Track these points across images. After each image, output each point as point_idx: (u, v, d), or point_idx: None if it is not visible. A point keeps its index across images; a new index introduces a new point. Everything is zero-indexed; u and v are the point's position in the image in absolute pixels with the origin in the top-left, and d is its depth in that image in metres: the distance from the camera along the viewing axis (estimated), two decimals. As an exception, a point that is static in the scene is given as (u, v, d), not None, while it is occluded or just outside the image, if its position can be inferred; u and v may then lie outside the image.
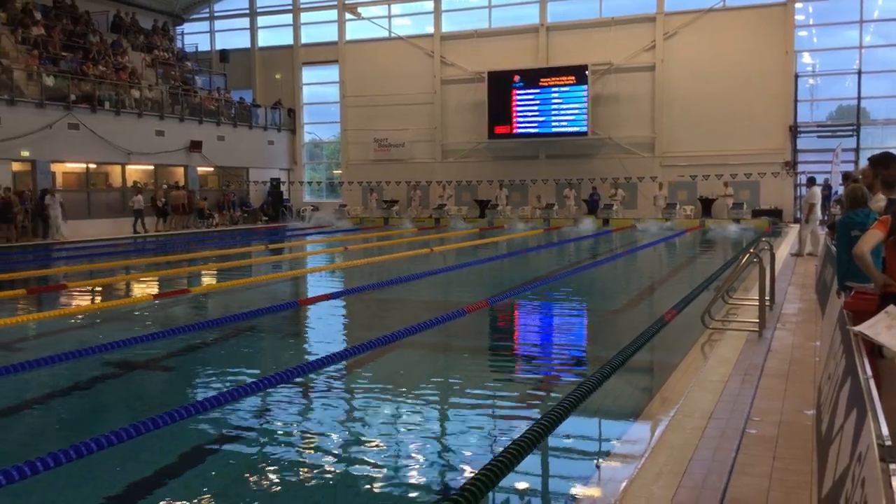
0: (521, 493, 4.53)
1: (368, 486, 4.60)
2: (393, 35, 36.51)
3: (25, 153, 25.54)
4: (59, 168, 27.65)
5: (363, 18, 36.43)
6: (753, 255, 8.36)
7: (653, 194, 31.73)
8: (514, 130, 33.90)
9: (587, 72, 32.33)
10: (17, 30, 28.71)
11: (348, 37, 37.63)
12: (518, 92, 33.58)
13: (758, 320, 8.10)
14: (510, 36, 34.63)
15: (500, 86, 33.71)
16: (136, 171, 30.76)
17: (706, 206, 30.93)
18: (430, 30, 35.93)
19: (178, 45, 39.44)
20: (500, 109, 33.78)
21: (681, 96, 31.63)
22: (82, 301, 12.83)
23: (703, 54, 31.17)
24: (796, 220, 26.83)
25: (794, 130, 30.46)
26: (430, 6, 35.92)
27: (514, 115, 33.74)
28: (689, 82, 31.41)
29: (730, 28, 30.95)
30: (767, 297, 8.78)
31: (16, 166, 25.80)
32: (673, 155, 32.14)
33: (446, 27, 35.79)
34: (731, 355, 7.07)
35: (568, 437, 5.43)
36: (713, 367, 6.65)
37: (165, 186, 31.09)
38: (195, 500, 4.42)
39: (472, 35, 35.15)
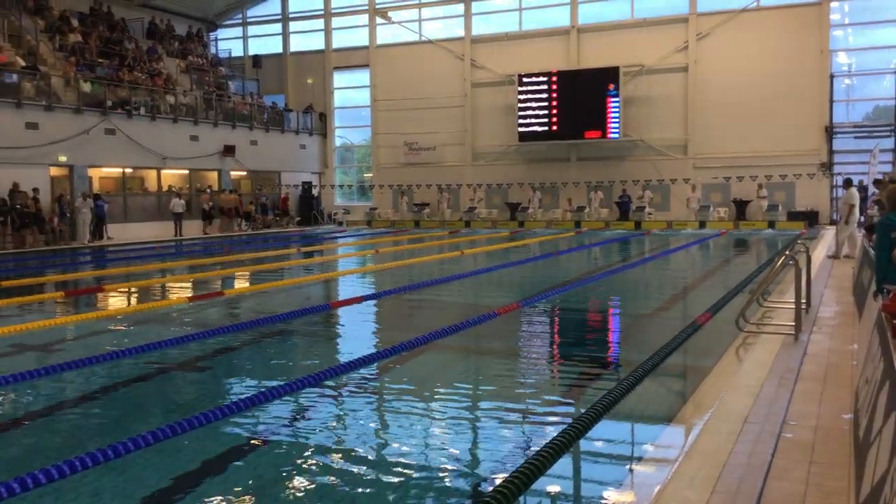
0: (553, 497, 4.51)
1: (399, 489, 4.61)
2: (423, 38, 36.61)
3: (63, 158, 26.00)
4: (95, 173, 28.12)
5: (394, 22, 36.56)
6: (789, 257, 8.25)
7: (686, 196, 31.45)
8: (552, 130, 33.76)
9: (619, 74, 32.12)
10: (54, 37, 29.26)
11: (379, 41, 37.80)
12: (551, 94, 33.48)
13: (794, 323, 7.99)
14: (541, 38, 34.54)
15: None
16: (172, 175, 31.20)
17: (740, 208, 30.58)
18: (461, 33, 35.96)
19: (212, 50, 39.95)
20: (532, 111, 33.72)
21: (714, 97, 31.31)
22: (119, 303, 13.03)
23: (737, 55, 30.84)
24: (832, 222, 26.44)
25: (830, 131, 30.01)
26: (460, 9, 35.96)
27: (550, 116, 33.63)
28: (723, 83, 31.09)
29: (764, 28, 30.59)
30: (804, 300, 8.67)
31: (54, 171, 26.28)
32: (706, 156, 31.83)
33: (477, 30, 35.81)
34: (766, 359, 6.99)
35: (600, 440, 5.40)
36: (748, 371, 6.58)
37: (210, 190, 31.84)
38: (230, 500, 4.47)
39: (503, 38, 35.13)
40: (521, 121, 33.87)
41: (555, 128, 33.44)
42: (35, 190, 24.35)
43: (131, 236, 27.79)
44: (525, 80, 33.57)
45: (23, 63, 26.23)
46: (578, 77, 32.92)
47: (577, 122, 32.99)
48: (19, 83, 24.96)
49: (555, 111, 33.25)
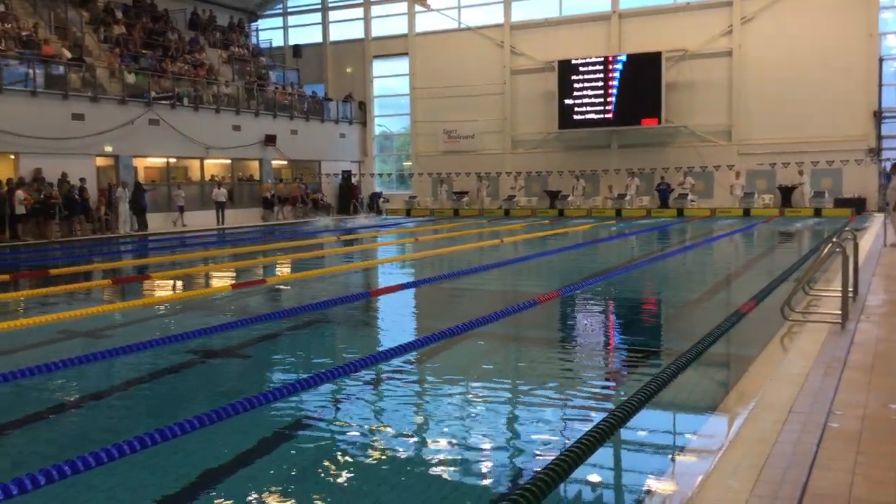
0: (593, 486, 4.49)
1: (438, 476, 4.63)
2: (462, 26, 36.48)
3: (109, 148, 26.48)
4: (140, 163, 28.61)
5: (433, 10, 36.48)
6: (836, 244, 8.08)
7: (729, 183, 30.98)
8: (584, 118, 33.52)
9: (661, 59, 31.70)
10: (99, 29, 29.77)
11: (418, 29, 37.78)
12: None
13: (840, 312, 7.82)
14: (581, 24, 34.24)
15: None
16: (214, 165, 31.62)
17: (785, 194, 30.05)
18: (500, 19, 35.77)
19: (253, 41, 40.31)
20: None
21: (759, 82, 30.76)
22: (164, 291, 13.26)
23: (783, 38, 30.24)
24: (880, 210, 25.85)
25: (879, 116, 29.32)
26: (499, -5, 35.77)
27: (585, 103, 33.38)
28: (768, 68, 30.52)
29: (810, 11, 29.92)
30: (850, 288, 8.48)
31: (100, 161, 26.78)
32: (751, 142, 31.32)
33: (516, 16, 35.60)
34: (812, 348, 6.86)
35: (641, 430, 5.35)
36: (793, 360, 6.47)
37: (271, 180, 33.11)
38: (273, 484, 4.53)
39: (543, 24, 34.88)
40: (570, 108, 33.57)
41: (608, 115, 33.06)
42: (82, 180, 24.84)
43: (176, 225, 28.28)
44: (573, 65, 33.23)
45: (69, 55, 26.74)
46: (627, 62, 32.54)
47: (628, 109, 32.62)
48: (66, 75, 25.47)
49: (610, 98, 32.86)
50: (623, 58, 32.62)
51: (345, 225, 29.01)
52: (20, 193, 22.62)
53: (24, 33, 25.97)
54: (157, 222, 27.84)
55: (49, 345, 8.51)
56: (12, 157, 24.21)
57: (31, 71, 24.50)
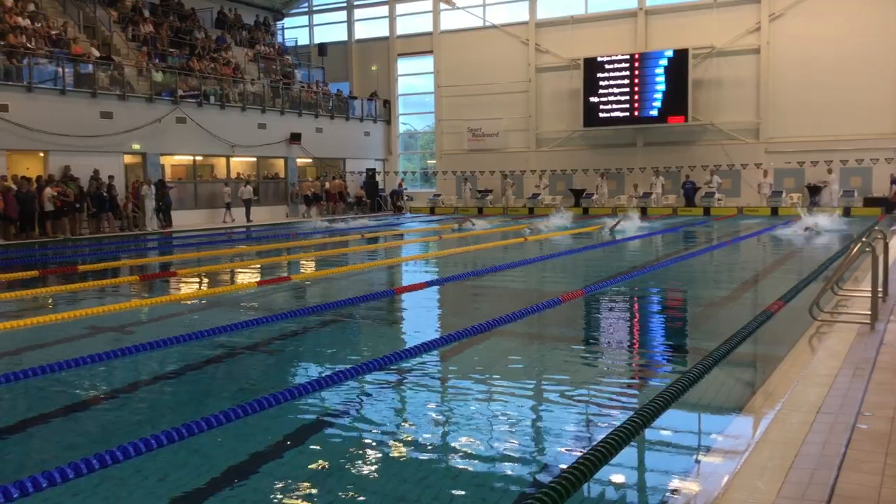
0: (617, 486, 4.47)
1: (461, 475, 4.63)
2: (487, 24, 36.42)
3: (136, 146, 26.76)
4: (167, 160, 28.88)
5: (458, 8, 36.46)
6: (865, 244, 7.97)
7: (757, 182, 30.66)
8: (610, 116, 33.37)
9: (688, 56, 31.45)
10: (127, 28, 30.09)
11: (443, 27, 37.78)
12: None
13: (869, 312, 7.72)
14: (607, 21, 34.07)
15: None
16: (240, 162, 31.85)
17: (814, 193, 29.68)
18: (525, 17, 35.67)
19: (279, 39, 40.54)
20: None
21: (787, 80, 30.42)
22: (190, 287, 13.37)
23: (812, 35, 29.86)
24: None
25: (910, 113, 28.85)
26: (524, -7, 35.68)
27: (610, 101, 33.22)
28: (797, 65, 30.17)
29: (839, 8, 29.52)
30: (880, 288, 8.37)
31: (127, 159, 27.07)
32: (779, 141, 30.98)
33: (541, 14, 35.49)
34: (840, 348, 6.78)
35: (666, 430, 5.31)
36: (822, 361, 6.39)
37: (310, 179, 34.19)
38: (297, 479, 4.56)
39: (568, 21, 34.73)
40: (595, 106, 33.41)
41: (634, 112, 32.87)
42: (110, 177, 25.12)
43: (201, 222, 28.51)
44: (599, 62, 33.08)
45: (97, 54, 27.05)
46: (652, 60, 32.33)
47: (654, 106, 32.40)
48: (94, 73, 25.75)
49: (636, 95, 32.66)
50: (649, 55, 32.39)
51: (384, 223, 28.97)
52: (49, 191, 22.91)
53: (53, 32, 26.31)
54: (192, 219, 28.20)
55: (78, 340, 8.61)
56: (42, 154, 24.54)
57: (60, 70, 24.81)
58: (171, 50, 30.63)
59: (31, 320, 9.36)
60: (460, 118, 37.28)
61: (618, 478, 4.54)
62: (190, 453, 4.89)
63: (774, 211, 29.37)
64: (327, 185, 34.37)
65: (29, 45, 24.58)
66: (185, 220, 28.13)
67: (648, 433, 5.03)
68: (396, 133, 39.87)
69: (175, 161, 29.80)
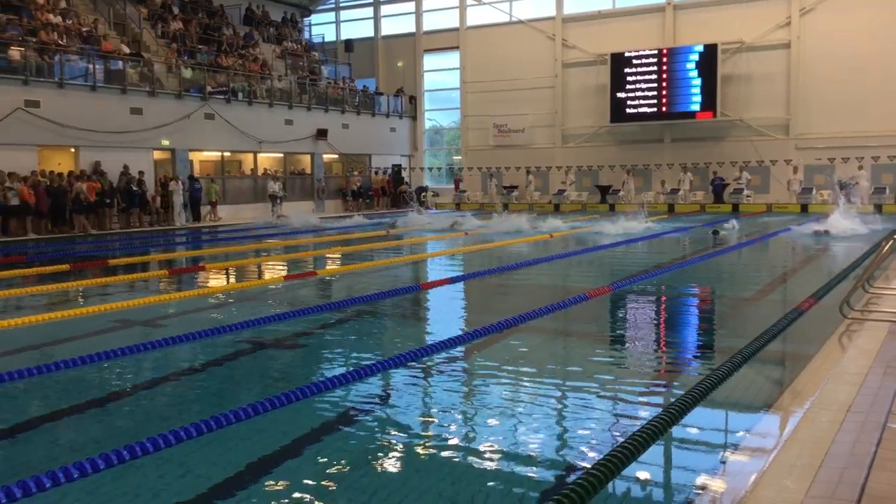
0: (644, 483, 4.44)
1: (487, 469, 4.62)
2: (514, 19, 36.30)
3: (165, 142, 27.03)
4: (196, 156, 29.14)
5: (484, 3, 36.39)
6: (898, 241, 7.85)
7: (787, 179, 30.30)
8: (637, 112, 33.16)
9: (717, 51, 31.15)
10: (156, 24, 30.37)
11: (469, 23, 37.73)
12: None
13: (902, 311, 7.61)
14: (635, 16, 33.81)
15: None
16: (267, 158, 32.05)
17: (844, 190, 29.21)
18: (552, 12, 35.51)
19: (306, 36, 40.71)
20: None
21: (818, 75, 30.02)
22: (218, 282, 13.48)
23: (843, 30, 29.43)
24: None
25: (943, 109, 28.35)
26: (551, -12, 35.51)
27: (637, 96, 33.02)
28: (827, 60, 29.75)
29: (872, 2, 29.15)
30: (913, 287, 8.24)
31: (157, 154, 27.35)
32: (809, 137, 30.60)
33: (568, 9, 35.30)
34: (871, 347, 6.69)
35: (693, 427, 5.27)
36: (852, 359, 6.31)
37: (356, 174, 35.28)
38: (322, 473, 4.58)
39: (595, 16, 34.54)
40: (622, 101, 33.21)
41: (662, 108, 32.62)
42: (140, 173, 25.41)
43: (229, 218, 28.74)
44: (626, 57, 32.87)
45: (127, 50, 27.34)
46: (674, 55, 32.08)
47: (682, 102, 32.14)
48: (124, 70, 26.04)
49: (664, 91, 32.43)
50: (678, 50, 32.12)
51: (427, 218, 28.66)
52: (80, 185, 23.21)
53: (84, 29, 26.63)
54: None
55: (107, 333, 8.72)
56: (73, 150, 24.87)
57: (91, 66, 25.12)
58: (199, 47, 30.89)
59: (61, 313, 9.49)
60: (486, 114, 37.22)
61: (644, 475, 4.51)
62: (217, 446, 4.93)
63: (804, 208, 29.01)
64: (356, 180, 35.13)
65: (60, 42, 24.91)
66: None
67: (675, 430, 4.99)
68: (422, 129, 39.90)
69: (203, 157, 30.09)
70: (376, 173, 36.08)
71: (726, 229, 20.65)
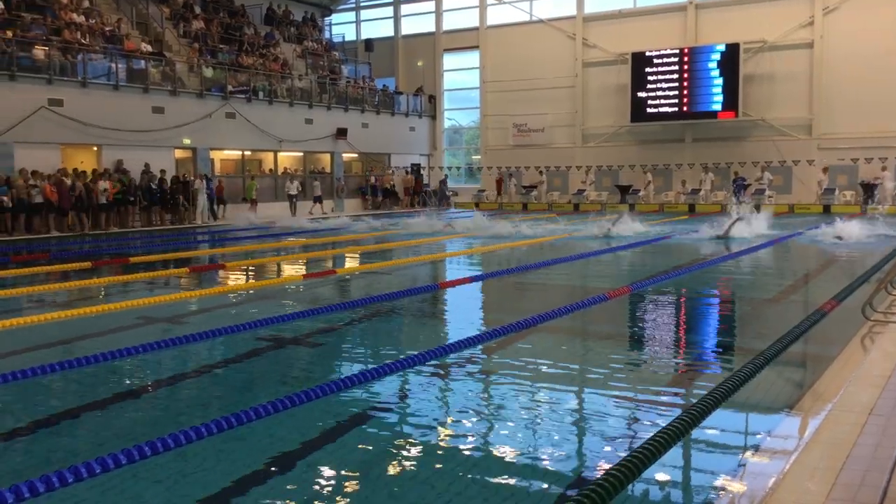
0: (662, 485, 4.41)
1: (505, 469, 4.62)
2: (534, 18, 36.23)
3: (187, 141, 27.22)
4: (216, 155, 29.33)
5: (505, 2, 36.34)
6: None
7: (817, 179, 29.89)
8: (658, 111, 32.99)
9: (739, 50, 30.92)
10: (178, 24, 30.59)
11: (489, 22, 37.69)
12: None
13: (926, 313, 7.52)
14: (656, 15, 33.64)
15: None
16: (287, 157, 32.21)
17: (868, 191, 28.94)
18: (573, 11, 35.39)
19: (326, 35, 40.84)
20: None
21: (841, 74, 29.71)
22: (238, 280, 13.56)
23: (867, 29, 29.12)
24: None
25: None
26: (572, -13, 35.39)
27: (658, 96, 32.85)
28: (851, 59, 29.44)
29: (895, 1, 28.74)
30: (938, 289, 8.14)
31: (178, 153, 27.54)
32: (832, 137, 30.29)
33: (589, 8, 35.18)
34: (894, 349, 6.62)
35: (713, 430, 5.23)
36: (875, 362, 6.24)
37: (390, 172, 36.07)
38: (340, 471, 4.60)
39: (616, 16, 34.40)
40: (643, 101, 33.05)
41: (683, 108, 32.44)
42: (162, 171, 25.61)
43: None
44: (647, 57, 32.72)
45: (150, 49, 27.55)
46: (703, 54, 31.88)
47: (703, 102, 31.95)
48: (146, 69, 26.25)
49: (685, 90, 32.24)
50: (699, 49, 31.93)
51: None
52: (102, 184, 23.42)
53: (107, 29, 26.87)
54: (274, 211, 28.99)
55: (129, 329, 8.80)
56: (95, 148, 25.10)
57: (113, 65, 25.35)
58: (221, 46, 31.08)
59: (84, 310, 9.59)
60: (505, 113, 37.17)
61: (662, 477, 4.49)
62: (235, 443, 4.96)
63: (827, 209, 28.74)
64: (389, 179, 35.96)
65: (83, 42, 25.15)
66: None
67: (696, 433, 4.96)
68: (441, 128, 39.91)
69: (224, 155, 30.27)
70: (392, 173, 36.41)
71: (730, 237, 18.63)
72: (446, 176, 38.48)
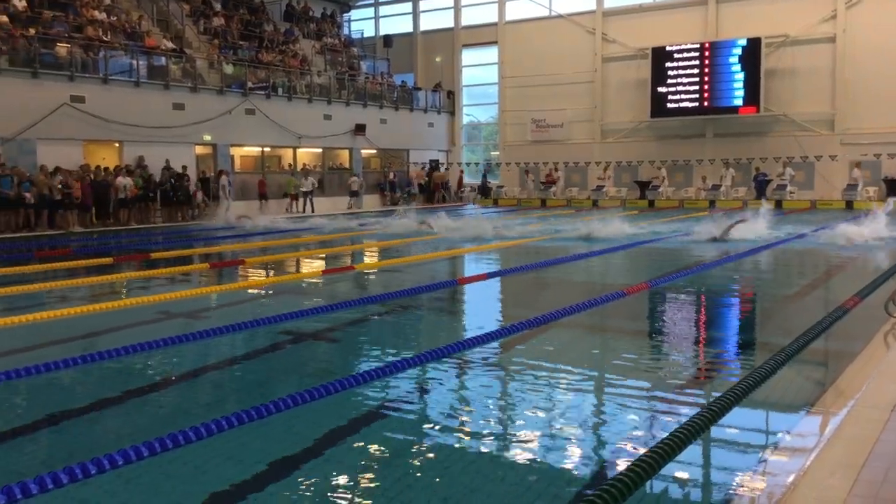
0: (681, 483, 4.39)
1: (522, 465, 4.61)
2: (553, 13, 36.08)
3: (207, 137, 27.37)
4: (236, 151, 29.46)
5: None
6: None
7: (852, 175, 29.48)
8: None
9: (761, 45, 30.64)
10: (198, 21, 30.76)
11: (508, 17, 37.58)
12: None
13: (950, 310, 7.43)
14: (676, 9, 33.40)
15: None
16: (305, 153, 32.30)
17: (891, 186, 28.60)
18: (592, 6, 35.21)
19: (345, 31, 40.89)
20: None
21: (864, 69, 29.36)
22: (257, 275, 13.63)
23: (890, 23, 28.78)
24: None
25: None
26: (591, -19, 35.21)
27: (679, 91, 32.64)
28: (874, 54, 29.09)
29: (924, -7, 28.36)
30: (962, 285, 8.04)
31: (198, 150, 27.71)
32: (855, 132, 29.96)
33: (608, 3, 34.99)
34: (918, 346, 6.55)
35: (732, 427, 5.19)
36: (897, 359, 6.18)
37: (422, 168, 36.69)
38: (358, 466, 4.61)
39: (636, 10, 34.20)
40: (663, 96, 32.86)
41: (704, 103, 32.22)
42: (184, 167, 25.77)
43: (269, 211, 29.00)
44: (668, 51, 32.52)
45: (170, 46, 27.72)
46: (724, 49, 31.63)
47: (724, 97, 31.72)
48: (167, 66, 26.42)
49: (706, 85, 32.01)
50: (720, 44, 31.68)
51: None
52: (122, 180, 23.61)
53: (128, 26, 27.07)
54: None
55: (150, 324, 8.87)
56: (116, 144, 25.31)
57: (134, 62, 25.53)
58: (240, 42, 31.22)
59: (105, 305, 9.67)
60: (524, 109, 37.07)
61: (681, 474, 4.46)
62: (253, 437, 4.98)
63: (849, 204, 28.44)
64: (421, 175, 36.44)
65: (105, 38, 25.34)
66: (252, 209, 28.62)
67: (714, 429, 4.93)
68: (460, 124, 39.87)
69: (244, 152, 30.40)
70: (436, 169, 36.83)
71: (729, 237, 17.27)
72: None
